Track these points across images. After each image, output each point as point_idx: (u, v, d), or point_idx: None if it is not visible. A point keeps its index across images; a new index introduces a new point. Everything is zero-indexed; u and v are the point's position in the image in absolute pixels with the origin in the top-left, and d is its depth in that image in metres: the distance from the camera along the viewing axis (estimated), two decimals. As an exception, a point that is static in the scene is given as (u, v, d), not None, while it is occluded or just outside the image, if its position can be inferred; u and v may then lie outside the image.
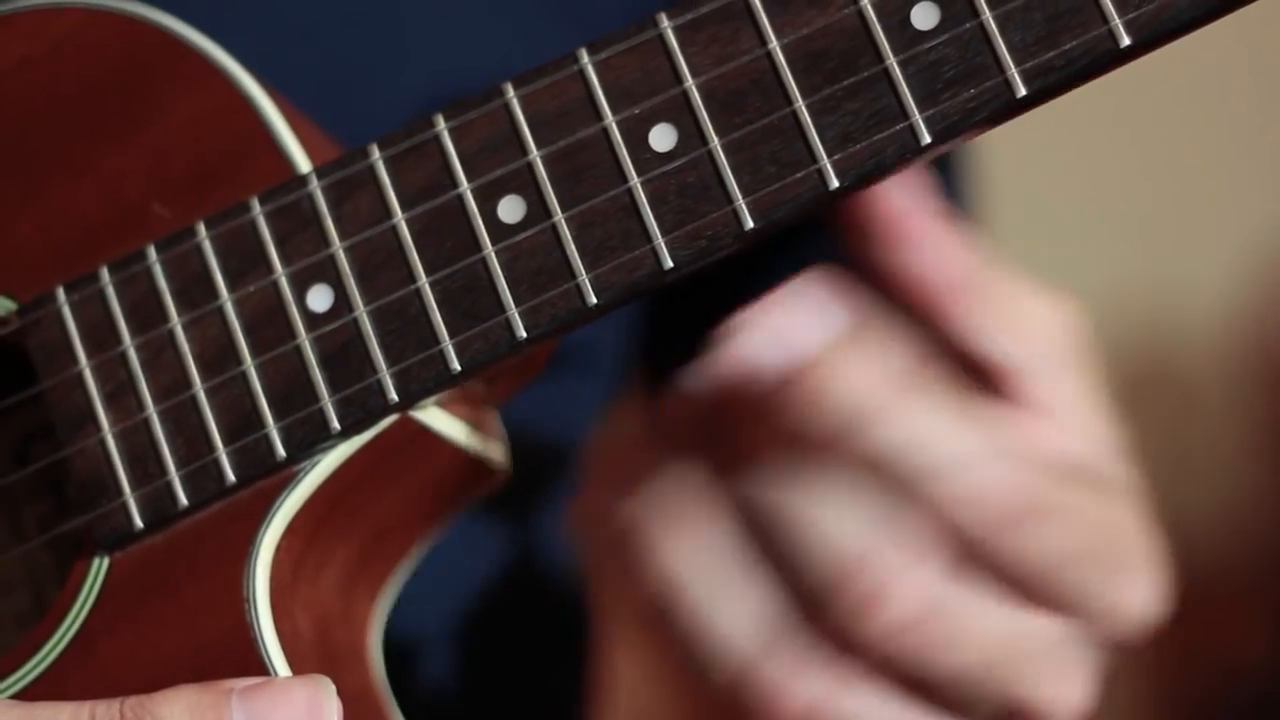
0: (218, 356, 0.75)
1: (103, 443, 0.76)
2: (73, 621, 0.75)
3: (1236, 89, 2.56)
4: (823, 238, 0.83)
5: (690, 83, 0.72)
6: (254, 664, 0.73)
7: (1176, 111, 2.53)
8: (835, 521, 0.77)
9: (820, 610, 0.76)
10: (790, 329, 0.76)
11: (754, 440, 0.78)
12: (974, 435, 0.76)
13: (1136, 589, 0.80)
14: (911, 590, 0.76)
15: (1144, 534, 0.81)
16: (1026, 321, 0.81)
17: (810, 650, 0.77)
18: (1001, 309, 0.80)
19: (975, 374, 0.81)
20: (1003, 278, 0.81)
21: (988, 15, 0.69)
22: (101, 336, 0.76)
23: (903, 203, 0.78)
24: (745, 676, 0.77)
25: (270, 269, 0.75)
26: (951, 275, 0.79)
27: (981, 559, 0.76)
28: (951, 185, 1.16)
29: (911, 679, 0.77)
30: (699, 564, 0.78)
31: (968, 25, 0.69)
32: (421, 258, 0.74)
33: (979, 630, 0.77)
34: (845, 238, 0.79)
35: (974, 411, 0.78)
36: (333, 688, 0.72)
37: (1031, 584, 0.77)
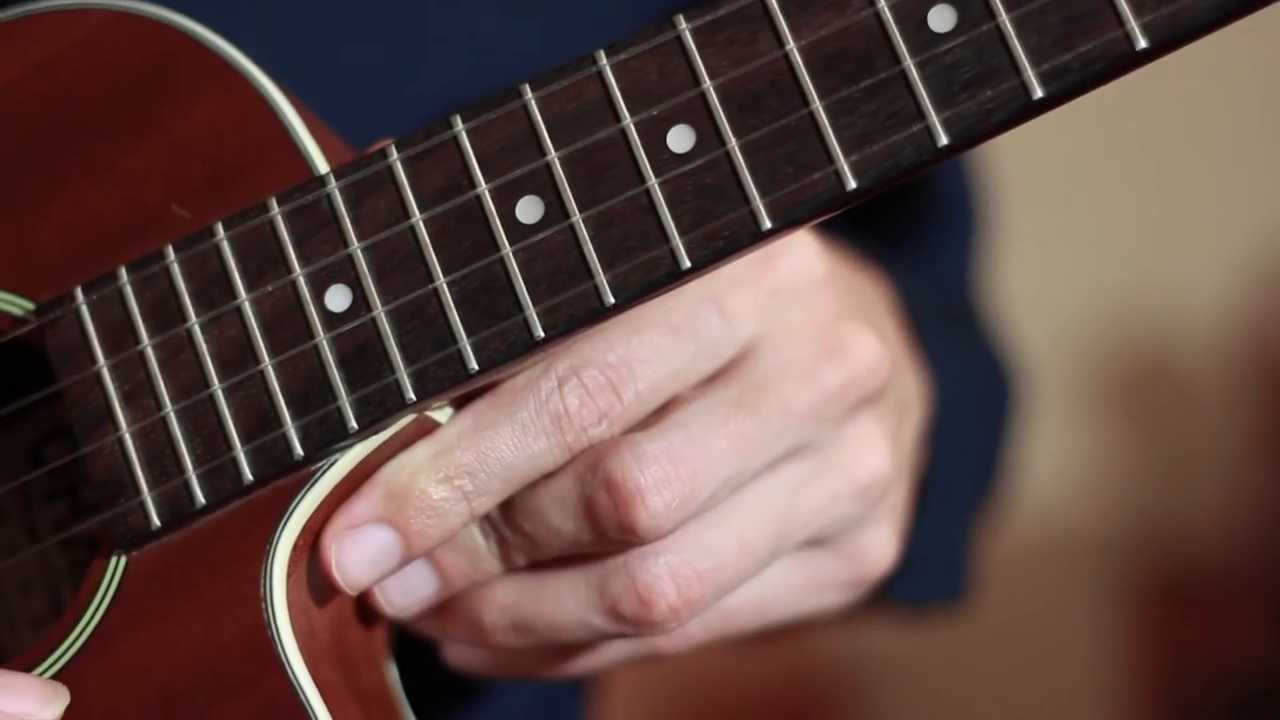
0: (236, 356, 0.75)
1: (120, 442, 0.76)
2: (90, 620, 0.75)
3: (1237, 90, 2.56)
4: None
5: (708, 84, 0.72)
6: (271, 662, 0.73)
7: (1177, 112, 2.53)
8: (538, 498, 0.78)
9: (605, 544, 0.77)
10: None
11: None
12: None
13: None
14: (626, 461, 0.76)
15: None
16: None
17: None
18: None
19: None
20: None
21: (1004, 17, 0.69)
22: (119, 336, 0.76)
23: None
24: (613, 612, 0.79)
25: (289, 269, 0.75)
26: None
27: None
28: (962, 185, 1.17)
29: (708, 501, 0.78)
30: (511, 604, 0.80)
31: (984, 27, 0.70)
32: (439, 258, 0.74)
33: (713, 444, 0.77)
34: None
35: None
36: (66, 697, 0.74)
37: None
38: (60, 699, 0.74)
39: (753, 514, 0.79)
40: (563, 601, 0.79)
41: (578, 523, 0.77)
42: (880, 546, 0.84)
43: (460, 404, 0.77)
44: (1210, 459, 2.57)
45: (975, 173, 1.17)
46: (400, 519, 0.76)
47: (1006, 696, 2.55)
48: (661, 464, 0.76)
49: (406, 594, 0.79)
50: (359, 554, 0.76)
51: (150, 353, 0.76)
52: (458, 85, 0.93)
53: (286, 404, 0.75)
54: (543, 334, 0.73)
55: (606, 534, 0.76)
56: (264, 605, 0.74)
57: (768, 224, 0.71)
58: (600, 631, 0.79)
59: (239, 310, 0.76)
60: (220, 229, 0.76)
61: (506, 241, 0.74)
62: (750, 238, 0.72)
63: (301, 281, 0.75)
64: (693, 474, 0.76)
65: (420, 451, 0.76)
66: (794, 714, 2.55)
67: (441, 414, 0.76)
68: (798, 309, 0.80)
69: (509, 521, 0.78)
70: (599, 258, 0.73)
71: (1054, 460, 2.49)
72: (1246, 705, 2.30)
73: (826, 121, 0.71)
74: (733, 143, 0.72)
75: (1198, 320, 2.60)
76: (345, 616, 0.79)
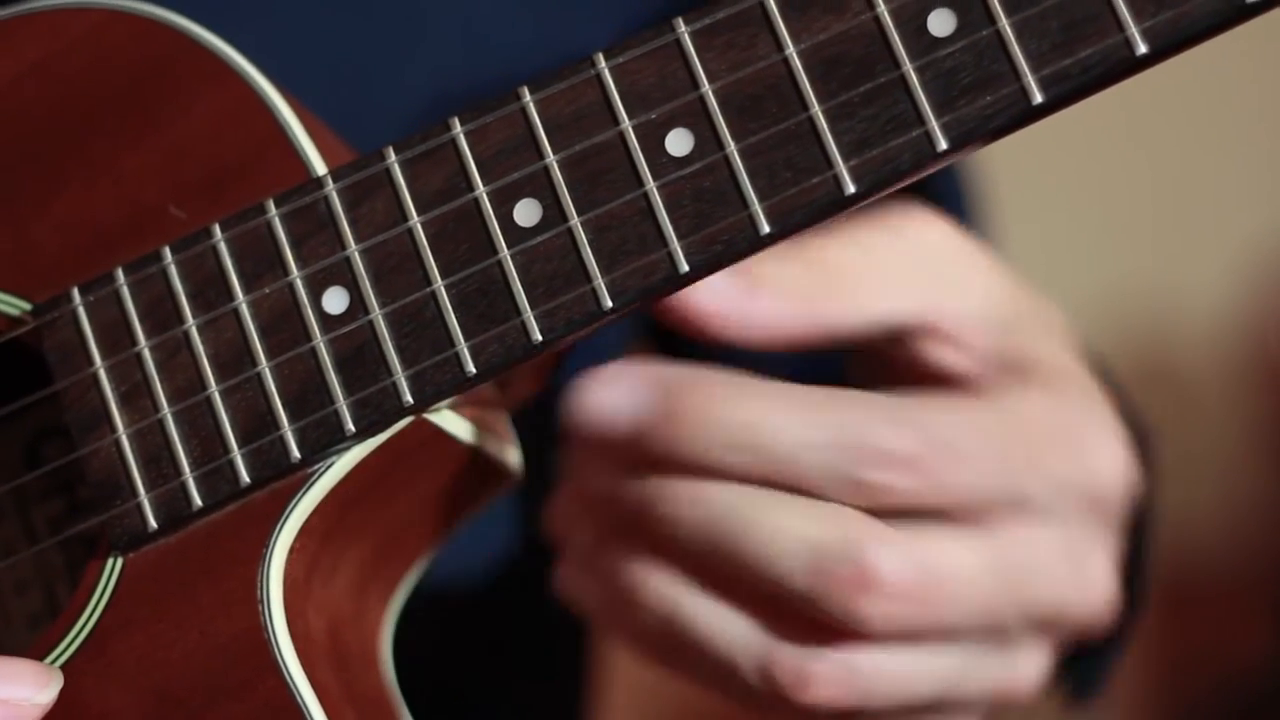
0: (233, 358, 0.75)
1: (117, 443, 0.76)
2: (86, 621, 0.75)
3: (1237, 90, 2.56)
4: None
5: (707, 88, 0.72)
6: (268, 665, 0.73)
7: (1176, 112, 2.53)
8: (781, 524, 0.76)
9: (814, 609, 0.76)
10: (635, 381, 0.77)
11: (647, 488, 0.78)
12: (824, 403, 0.76)
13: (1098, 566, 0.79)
14: (891, 559, 0.75)
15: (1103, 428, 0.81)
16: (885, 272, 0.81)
17: (818, 640, 0.77)
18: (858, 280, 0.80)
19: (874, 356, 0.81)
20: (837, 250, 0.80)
21: (1004, 22, 0.69)
22: (116, 337, 0.76)
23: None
24: (765, 674, 0.77)
25: (286, 271, 0.75)
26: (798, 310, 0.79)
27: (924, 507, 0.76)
28: (955, 186, 1.17)
29: (922, 634, 0.77)
30: (673, 598, 0.78)
31: (984, 32, 0.69)
32: (437, 260, 0.74)
33: (967, 578, 0.77)
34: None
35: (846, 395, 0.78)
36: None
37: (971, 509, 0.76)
38: (55, 682, 0.74)
39: (940, 668, 0.78)
40: (724, 633, 0.78)
41: (801, 570, 0.75)
42: (1033, 670, 0.82)
43: (457, 407, 0.77)
44: (1210, 459, 2.57)
45: (969, 177, 1.17)
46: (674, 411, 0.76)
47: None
48: (916, 579, 0.75)
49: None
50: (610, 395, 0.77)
51: (147, 354, 0.76)
52: (454, 81, 0.93)
53: (284, 406, 0.75)
54: (540, 338, 0.73)
55: (818, 599, 0.75)
56: (260, 608, 0.74)
57: (766, 228, 0.71)
58: (739, 675, 0.78)
59: (236, 312, 0.75)
60: (218, 230, 0.76)
61: (504, 244, 0.73)
62: (748, 242, 0.72)
63: (299, 283, 0.75)
64: (934, 606, 0.75)
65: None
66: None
67: (439, 417, 0.76)
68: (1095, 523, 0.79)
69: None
70: (597, 261, 0.73)
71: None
72: (1247, 705, 2.30)
73: (825, 126, 0.71)
74: (731, 147, 0.72)
75: (1198, 320, 2.60)
76: (342, 619, 0.79)
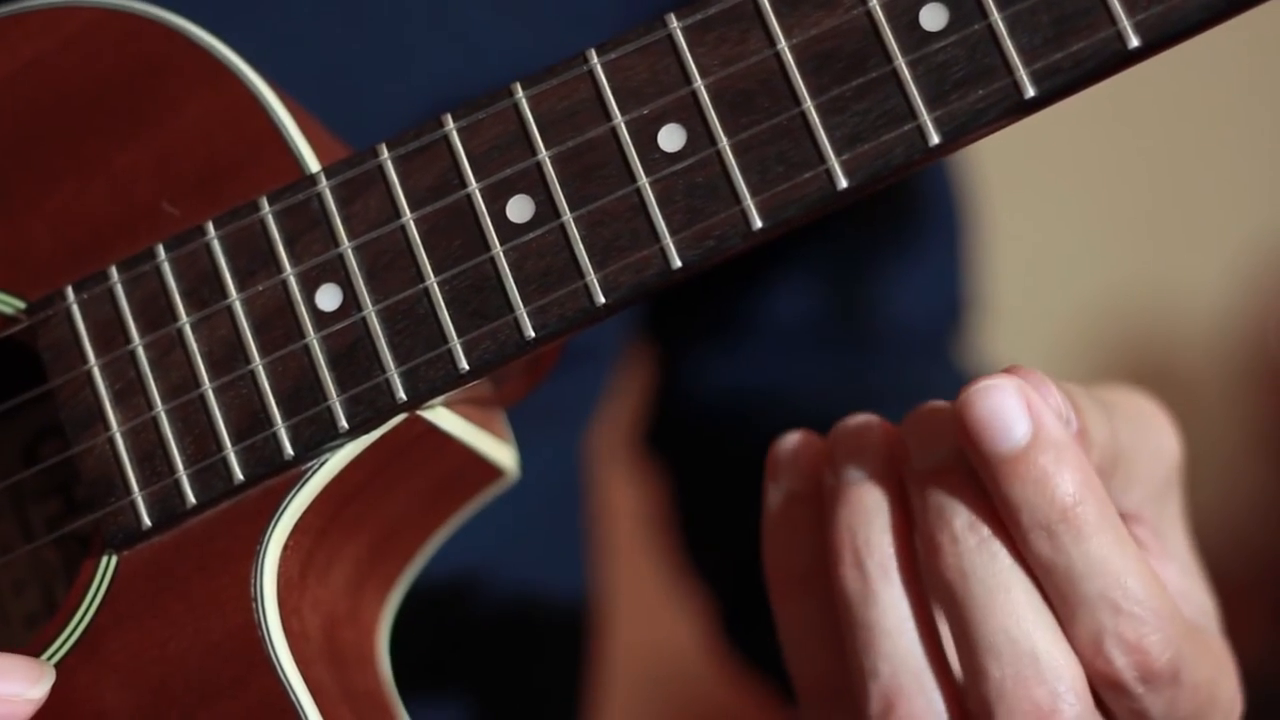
0: (226, 355, 0.75)
1: (111, 441, 0.76)
2: (80, 619, 0.75)
3: (1236, 89, 2.56)
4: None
5: (699, 83, 0.72)
6: (261, 663, 0.73)
7: (1176, 111, 2.53)
8: (1014, 615, 0.72)
9: (981, 703, 0.73)
10: (1038, 405, 0.71)
11: (969, 504, 0.73)
12: (1144, 575, 0.72)
13: None
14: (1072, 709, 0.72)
15: (1234, 693, 0.78)
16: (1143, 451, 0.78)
17: None
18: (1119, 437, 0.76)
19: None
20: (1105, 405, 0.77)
21: (996, 16, 0.69)
22: (110, 335, 0.76)
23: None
24: (885, 702, 0.73)
25: (279, 268, 0.75)
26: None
27: (1117, 705, 0.73)
28: (950, 187, 1.17)
29: None
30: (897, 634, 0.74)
31: (976, 26, 0.69)
32: (430, 257, 0.74)
33: None
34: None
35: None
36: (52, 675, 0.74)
37: None
38: (47, 677, 0.74)
39: None
40: (895, 645, 0.74)
41: (1005, 664, 0.72)
42: None
43: (451, 404, 0.77)
44: (1210, 459, 2.57)
45: (959, 177, 1.17)
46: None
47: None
48: None
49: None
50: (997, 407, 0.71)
51: (141, 352, 0.76)
52: (447, 82, 0.93)
53: (277, 404, 0.75)
54: (533, 334, 0.73)
55: (992, 698, 0.72)
56: (254, 605, 0.74)
57: (758, 223, 0.71)
58: (858, 681, 0.75)
59: (229, 309, 0.75)
60: (211, 228, 0.76)
61: (497, 241, 0.73)
62: (741, 237, 0.71)
63: (292, 281, 0.75)
64: None
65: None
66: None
67: (432, 413, 0.76)
68: None
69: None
70: (589, 257, 0.73)
71: (1054, 460, 2.49)
72: (1247, 706, 2.29)
73: (818, 120, 0.71)
74: (723, 142, 0.72)
75: (1198, 320, 2.60)
76: (338, 616, 0.79)
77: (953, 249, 1.16)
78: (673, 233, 0.72)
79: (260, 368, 0.75)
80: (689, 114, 0.72)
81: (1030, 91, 0.69)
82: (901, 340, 1.15)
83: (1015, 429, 0.71)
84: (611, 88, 0.73)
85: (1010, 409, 0.71)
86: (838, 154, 0.71)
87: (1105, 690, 0.73)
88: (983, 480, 0.72)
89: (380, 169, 0.74)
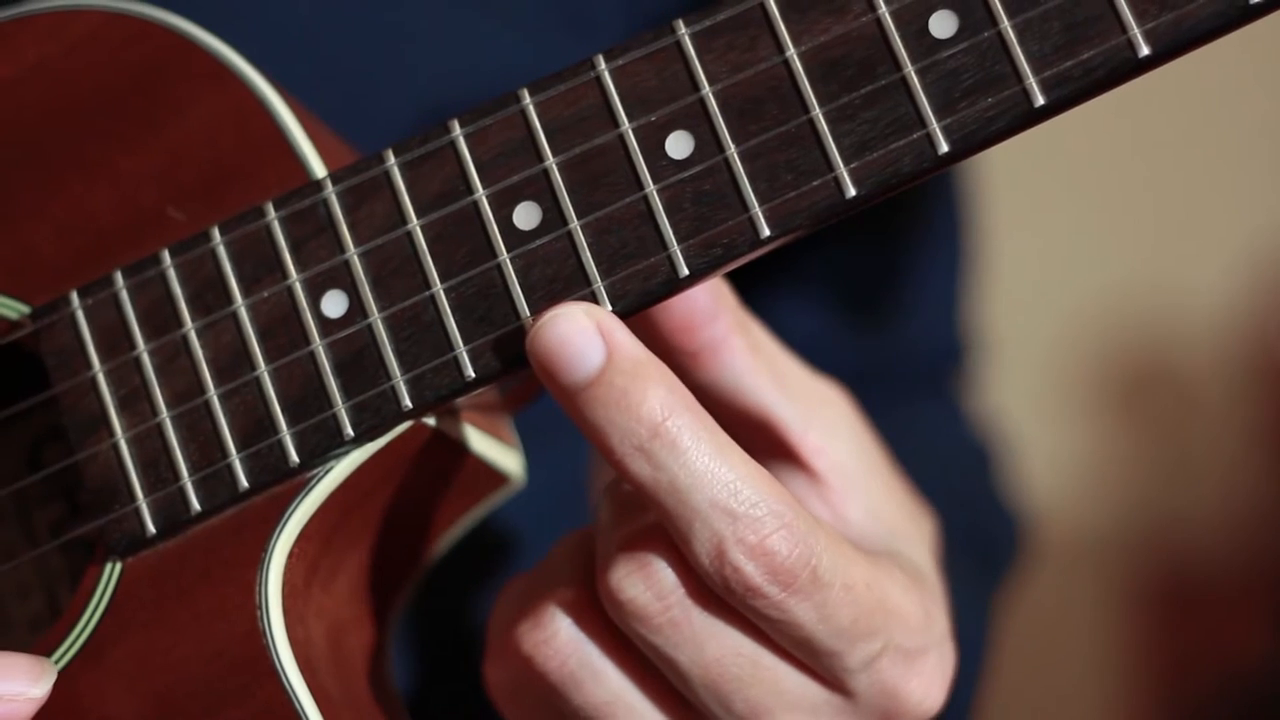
0: (231, 362, 0.75)
1: (116, 448, 0.76)
2: (85, 626, 0.75)
3: (1237, 90, 2.56)
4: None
5: (707, 90, 0.72)
6: (266, 671, 0.73)
7: (1177, 112, 2.52)
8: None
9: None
10: (609, 324, 0.71)
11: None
12: (756, 478, 0.71)
13: (913, 677, 0.75)
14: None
15: (928, 623, 0.76)
16: (810, 395, 0.80)
17: None
18: (786, 376, 0.79)
19: (757, 432, 0.79)
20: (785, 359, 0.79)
21: (1006, 24, 0.69)
22: (115, 341, 0.76)
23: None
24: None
25: (285, 274, 0.75)
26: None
27: (766, 620, 0.73)
28: (951, 188, 1.16)
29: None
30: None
31: (986, 34, 0.69)
32: (436, 264, 0.74)
33: (763, 675, 0.74)
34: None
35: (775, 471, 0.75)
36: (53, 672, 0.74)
37: (803, 648, 0.73)
38: (48, 675, 0.74)
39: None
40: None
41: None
42: None
43: (457, 411, 0.77)
44: (1211, 460, 2.57)
45: (964, 190, 1.16)
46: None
47: (1009, 698, 2.55)
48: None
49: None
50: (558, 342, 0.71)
51: (145, 358, 0.76)
52: (451, 86, 0.93)
53: (282, 411, 0.74)
54: (540, 341, 0.72)
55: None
56: (259, 612, 0.74)
57: (766, 231, 0.71)
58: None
59: (235, 315, 0.75)
60: (216, 233, 0.75)
61: (504, 248, 0.73)
62: (749, 245, 0.71)
63: (298, 287, 0.75)
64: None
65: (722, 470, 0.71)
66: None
67: (438, 420, 0.76)
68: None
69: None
70: (596, 265, 0.72)
71: (1054, 462, 2.49)
72: (1248, 706, 2.30)
73: (826, 128, 0.70)
74: (732, 149, 0.71)
75: (1198, 320, 2.60)
76: (342, 624, 0.79)
77: (955, 277, 1.16)
78: (680, 240, 0.72)
79: (265, 374, 0.75)
80: (697, 121, 0.72)
81: (1040, 100, 0.69)
82: (904, 372, 1.16)
83: (589, 353, 0.70)
84: (619, 94, 0.72)
85: (579, 334, 0.70)
86: (846, 162, 0.70)
87: (748, 602, 0.71)
88: (570, 416, 0.71)
89: (387, 175, 0.74)
